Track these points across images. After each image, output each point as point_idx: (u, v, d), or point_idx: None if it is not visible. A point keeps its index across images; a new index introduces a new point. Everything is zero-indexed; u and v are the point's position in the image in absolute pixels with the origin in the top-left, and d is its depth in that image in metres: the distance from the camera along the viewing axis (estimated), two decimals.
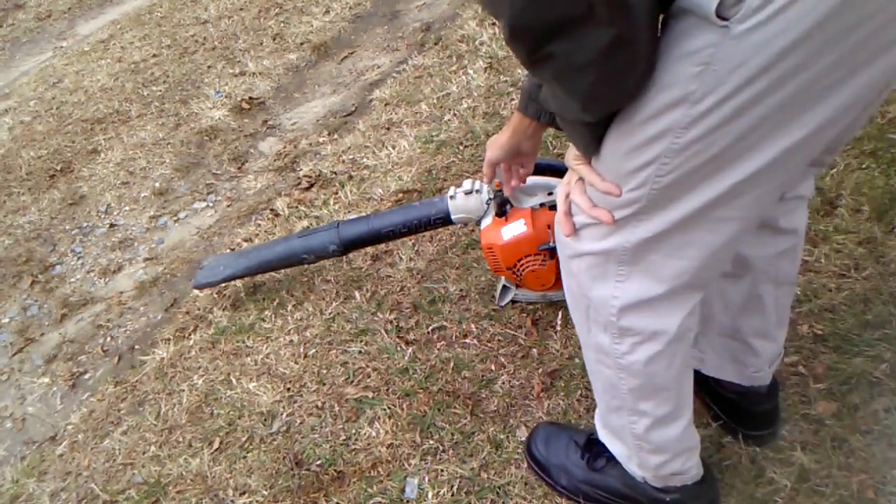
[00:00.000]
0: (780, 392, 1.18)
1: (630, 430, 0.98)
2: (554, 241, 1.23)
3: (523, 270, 1.34)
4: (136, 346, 1.76)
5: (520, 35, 0.62)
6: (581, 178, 0.82)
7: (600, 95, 0.68)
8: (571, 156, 0.83)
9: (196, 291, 1.79)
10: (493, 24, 2.49)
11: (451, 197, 1.41)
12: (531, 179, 1.35)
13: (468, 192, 1.39)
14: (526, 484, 1.20)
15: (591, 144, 0.77)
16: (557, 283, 1.36)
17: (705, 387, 1.20)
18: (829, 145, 0.85)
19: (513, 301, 1.51)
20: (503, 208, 1.32)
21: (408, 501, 1.23)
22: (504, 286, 1.49)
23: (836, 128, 0.68)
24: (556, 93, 0.72)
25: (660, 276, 0.80)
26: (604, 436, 1.08)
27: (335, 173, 2.09)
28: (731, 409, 1.19)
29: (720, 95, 0.63)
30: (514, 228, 1.30)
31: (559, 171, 1.25)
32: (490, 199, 1.36)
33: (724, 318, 1.07)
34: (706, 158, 0.68)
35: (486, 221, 1.37)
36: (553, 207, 1.30)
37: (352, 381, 1.46)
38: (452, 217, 1.42)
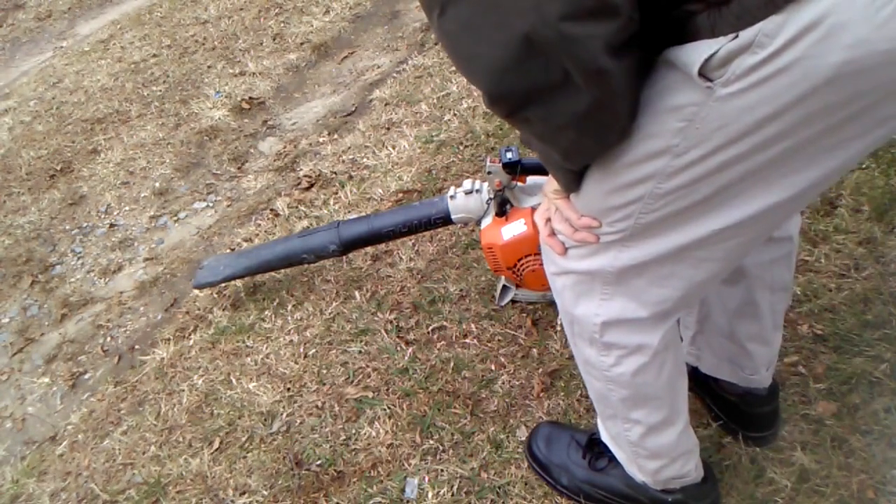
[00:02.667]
0: (780, 392, 1.18)
1: (625, 437, 0.98)
2: None
3: (523, 270, 1.34)
4: (136, 346, 1.76)
5: (497, 101, 0.63)
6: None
7: (582, 149, 0.70)
8: (550, 189, 0.84)
9: (196, 291, 1.79)
10: None
11: (452, 197, 1.41)
12: (531, 179, 1.35)
13: (468, 192, 1.39)
14: (526, 484, 1.20)
15: (573, 184, 0.78)
16: None
17: (705, 387, 1.20)
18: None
19: (513, 301, 1.51)
20: (503, 208, 1.32)
21: (408, 501, 1.23)
22: (504, 286, 1.49)
23: (825, 185, 0.69)
24: (537, 147, 0.74)
25: (643, 301, 0.81)
26: (605, 439, 1.09)
27: (335, 173, 2.09)
28: (730, 411, 1.19)
29: (702, 151, 0.64)
30: (515, 228, 1.30)
31: None
32: (490, 198, 1.36)
33: (720, 320, 1.07)
34: (688, 204, 0.70)
35: (486, 221, 1.37)
36: None
37: (352, 381, 1.46)
38: (452, 217, 1.42)
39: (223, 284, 1.74)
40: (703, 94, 0.59)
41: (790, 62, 0.55)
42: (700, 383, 1.21)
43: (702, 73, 0.58)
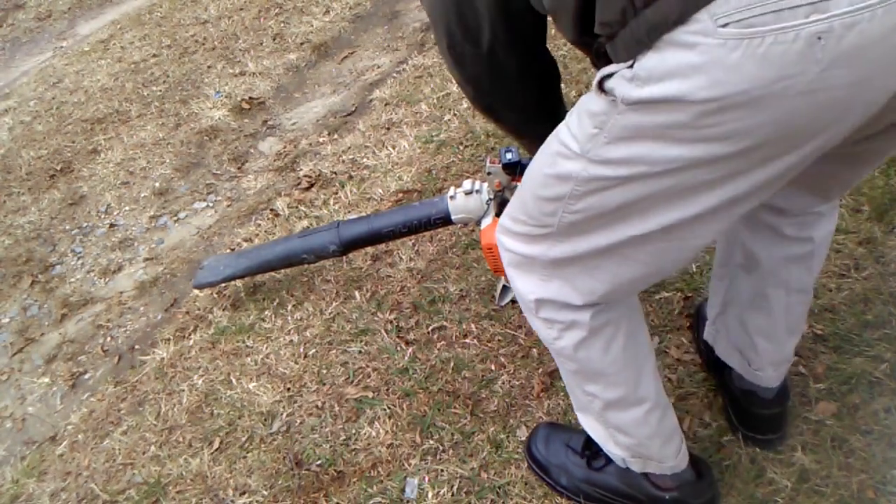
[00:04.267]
0: (789, 400, 1.17)
1: (591, 408, 0.99)
2: None
3: None
4: (136, 346, 1.76)
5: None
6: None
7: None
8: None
9: (196, 291, 1.79)
10: None
11: (452, 197, 1.41)
12: None
13: (468, 193, 1.39)
14: (526, 484, 1.20)
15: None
16: None
17: (718, 375, 1.21)
18: (822, 191, 0.91)
19: (513, 301, 1.51)
20: (503, 209, 1.32)
21: (408, 501, 1.23)
22: (504, 286, 1.49)
23: (745, 204, 0.71)
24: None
25: (575, 287, 0.84)
26: (582, 422, 1.08)
27: (335, 173, 2.09)
28: (735, 407, 1.19)
29: (611, 160, 0.68)
30: None
31: None
32: (490, 199, 1.36)
33: (738, 308, 1.08)
34: (602, 210, 0.73)
35: (487, 221, 1.37)
36: None
37: (352, 381, 1.46)
38: (452, 217, 1.42)
39: (223, 284, 1.74)
40: (609, 106, 0.65)
41: (661, 96, 0.59)
42: (714, 369, 1.22)
43: (602, 88, 0.64)
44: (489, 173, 1.28)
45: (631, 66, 0.61)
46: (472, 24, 0.81)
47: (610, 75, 0.63)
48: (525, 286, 0.89)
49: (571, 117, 0.72)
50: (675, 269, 0.83)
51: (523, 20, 0.82)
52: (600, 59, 0.67)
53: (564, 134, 0.73)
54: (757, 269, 1.01)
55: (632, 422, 0.97)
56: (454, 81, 0.97)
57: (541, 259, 0.84)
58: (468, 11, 0.80)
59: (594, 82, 0.65)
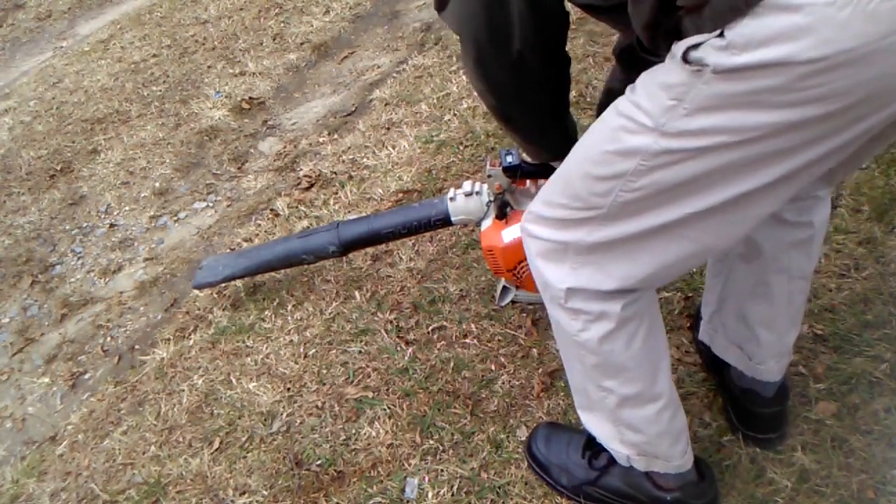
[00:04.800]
0: (789, 398, 1.17)
1: (604, 403, 0.99)
2: None
3: (524, 272, 1.34)
4: (136, 346, 1.76)
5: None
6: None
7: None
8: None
9: (196, 291, 1.79)
10: None
11: (451, 199, 1.41)
12: (531, 182, 1.35)
13: (468, 194, 1.39)
14: (526, 484, 1.20)
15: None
16: None
17: (717, 374, 1.21)
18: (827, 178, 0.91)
19: (512, 301, 1.51)
20: (504, 211, 1.32)
21: (408, 501, 1.23)
22: (504, 287, 1.49)
23: (815, 171, 0.71)
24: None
25: (610, 273, 0.84)
26: (586, 421, 1.08)
27: (335, 173, 2.09)
28: (735, 406, 1.18)
29: (688, 131, 0.67)
30: (515, 231, 1.29)
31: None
32: (490, 201, 1.36)
33: (736, 300, 1.08)
34: (666, 186, 0.72)
35: (487, 223, 1.36)
36: None
37: (352, 381, 1.46)
38: (452, 219, 1.42)
39: (223, 284, 1.74)
40: (691, 77, 0.65)
41: (762, 61, 0.59)
42: (713, 369, 1.22)
43: (687, 60, 0.64)
44: (489, 176, 1.28)
45: (720, 35, 0.61)
46: (502, 30, 0.81)
47: (695, 46, 0.63)
48: (555, 275, 0.88)
49: (635, 93, 0.72)
50: (724, 247, 0.83)
51: (554, 21, 0.82)
52: (667, 36, 0.67)
53: (629, 109, 0.72)
54: (759, 257, 1.00)
55: (645, 418, 0.97)
56: (475, 92, 0.97)
57: (577, 245, 0.84)
58: (498, 18, 0.80)
59: (677, 55, 0.65)
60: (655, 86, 0.69)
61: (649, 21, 0.70)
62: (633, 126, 0.72)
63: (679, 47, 0.65)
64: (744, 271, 1.04)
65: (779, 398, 1.14)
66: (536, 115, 0.98)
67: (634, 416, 0.97)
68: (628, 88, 0.75)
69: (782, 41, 0.58)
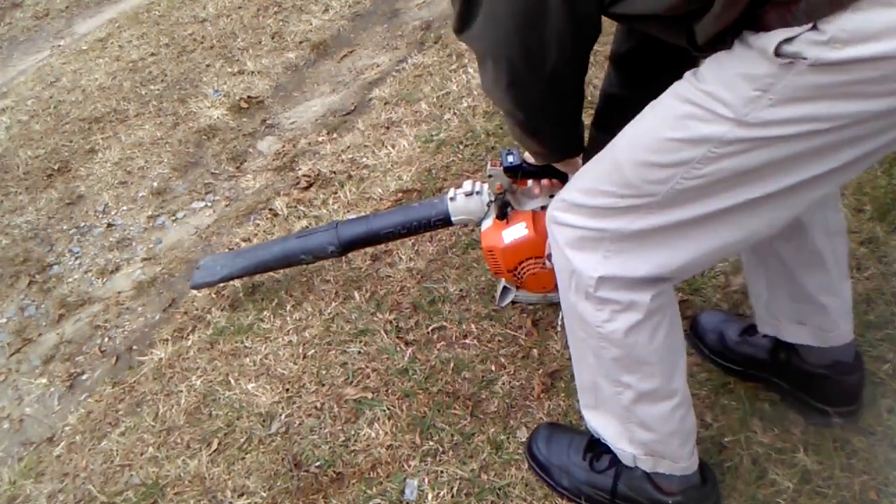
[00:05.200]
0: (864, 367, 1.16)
1: (617, 400, 0.98)
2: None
3: (524, 273, 1.33)
4: (134, 347, 1.75)
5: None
6: None
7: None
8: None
9: (194, 292, 1.78)
10: None
11: (452, 198, 1.40)
12: (532, 182, 1.34)
13: (468, 194, 1.39)
14: (526, 485, 1.20)
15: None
16: None
17: (788, 370, 1.18)
18: None
19: (513, 301, 1.50)
20: (504, 211, 1.31)
21: (407, 503, 1.23)
22: (504, 287, 1.48)
23: (881, 154, 0.73)
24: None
25: (646, 261, 0.84)
26: (592, 420, 1.07)
27: (334, 173, 2.08)
28: (818, 387, 1.15)
29: (771, 121, 0.68)
30: (516, 231, 1.29)
31: (561, 175, 1.24)
32: (490, 201, 1.35)
33: (788, 281, 1.07)
34: (733, 173, 0.73)
35: (487, 223, 1.36)
36: None
37: (351, 382, 1.45)
38: (452, 219, 1.41)
39: (221, 284, 1.73)
40: (781, 69, 0.66)
41: (869, 55, 0.61)
42: (781, 367, 1.18)
43: (778, 53, 0.65)
44: (490, 176, 1.27)
45: (814, 29, 0.62)
46: (536, 49, 0.79)
47: (788, 40, 0.64)
48: (586, 264, 0.88)
49: (706, 82, 0.72)
50: (770, 234, 0.84)
51: (592, 36, 0.82)
52: (734, 33, 0.69)
53: (699, 97, 0.72)
54: (801, 229, 1.01)
55: (659, 416, 0.96)
56: (501, 111, 0.95)
57: (616, 233, 0.84)
58: (532, 39, 0.78)
59: (767, 48, 0.65)
60: (735, 77, 0.69)
61: (734, 18, 0.70)
62: (705, 114, 0.72)
63: (768, 40, 0.65)
64: (789, 248, 1.04)
65: (859, 360, 1.14)
66: (562, 124, 0.97)
67: (649, 412, 0.96)
68: (691, 75, 0.75)
69: (888, 36, 0.60)
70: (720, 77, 0.71)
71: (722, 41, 0.71)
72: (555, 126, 0.97)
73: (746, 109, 0.69)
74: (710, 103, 0.72)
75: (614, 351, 0.92)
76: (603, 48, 2.20)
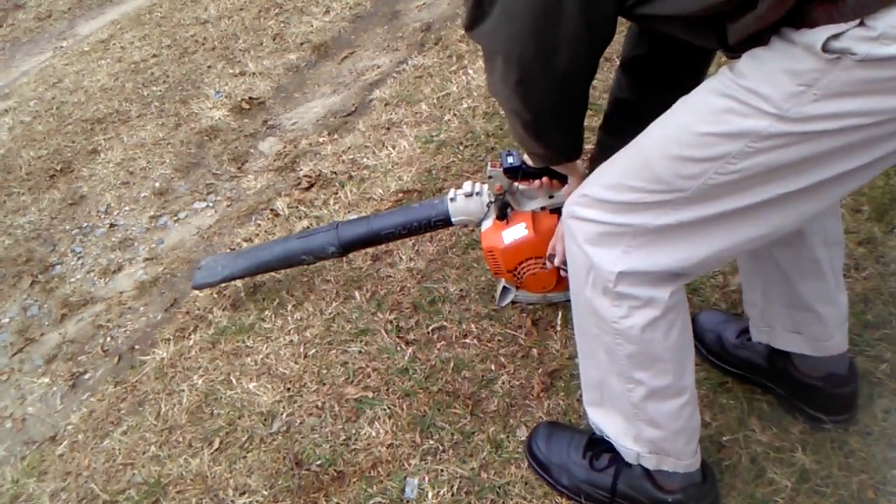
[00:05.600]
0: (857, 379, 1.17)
1: (627, 397, 0.98)
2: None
3: (524, 273, 1.34)
4: (136, 346, 1.76)
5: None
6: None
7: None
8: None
9: (195, 291, 1.79)
10: None
11: (452, 199, 1.41)
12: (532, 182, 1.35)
13: (468, 195, 1.39)
14: (526, 484, 1.20)
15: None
16: (558, 285, 1.36)
17: (782, 376, 1.18)
18: None
19: (512, 301, 1.51)
20: (504, 211, 1.32)
21: (408, 501, 1.23)
22: (504, 287, 1.49)
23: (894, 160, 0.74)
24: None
25: (667, 256, 0.84)
26: (596, 417, 1.07)
27: (335, 173, 2.09)
28: (811, 396, 1.16)
29: (813, 116, 0.69)
30: (516, 232, 1.30)
31: (561, 176, 1.25)
32: (490, 202, 1.36)
33: (785, 288, 1.07)
34: (768, 168, 0.74)
35: (487, 224, 1.36)
36: (554, 211, 1.30)
37: (352, 381, 1.46)
38: (452, 219, 1.42)
39: (223, 284, 1.73)
40: (826, 64, 0.66)
41: None
42: (777, 373, 1.19)
43: (825, 49, 0.65)
44: (490, 177, 1.28)
45: (862, 24, 0.63)
46: (550, 50, 0.79)
47: (835, 36, 0.64)
48: (606, 259, 0.88)
49: (745, 77, 0.73)
50: (791, 229, 0.84)
51: (606, 40, 0.82)
52: (770, 31, 0.69)
53: (739, 93, 0.73)
54: (799, 237, 1.01)
55: (668, 413, 0.97)
56: (505, 111, 0.94)
57: (640, 228, 0.84)
58: (547, 40, 0.78)
59: (817, 44, 0.66)
60: (778, 72, 0.70)
61: (779, 17, 0.70)
62: (744, 109, 0.72)
63: (814, 37, 0.66)
64: (787, 255, 1.04)
65: (853, 372, 1.14)
66: (567, 126, 0.97)
67: (658, 409, 0.97)
68: (728, 70, 0.75)
69: None
70: (761, 72, 0.72)
71: (757, 40, 0.72)
72: (560, 128, 0.96)
73: (789, 105, 0.69)
74: (751, 98, 0.72)
75: (629, 347, 0.92)
76: (606, 51, 2.22)
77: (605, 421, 1.06)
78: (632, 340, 0.91)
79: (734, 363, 1.26)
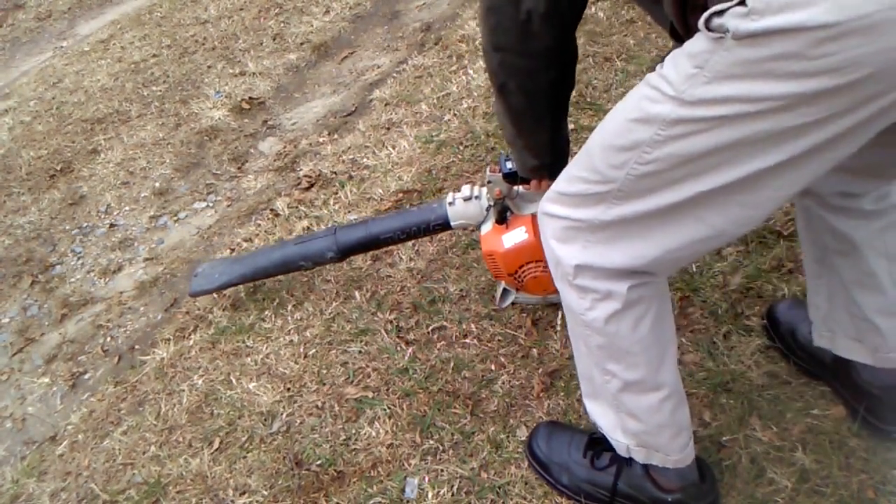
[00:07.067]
0: None
1: (606, 388, 0.99)
2: None
3: (525, 276, 1.33)
4: (136, 346, 1.76)
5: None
6: None
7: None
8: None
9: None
10: None
11: (450, 203, 1.40)
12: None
13: (467, 199, 1.39)
14: (526, 483, 1.20)
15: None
16: None
17: (846, 380, 1.17)
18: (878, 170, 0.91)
19: (513, 303, 1.51)
20: (504, 215, 1.32)
21: (408, 501, 1.23)
22: (504, 289, 1.48)
23: (828, 155, 0.71)
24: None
25: (622, 252, 0.85)
26: (591, 409, 1.07)
27: (335, 173, 2.09)
28: (874, 405, 1.14)
29: (707, 100, 0.68)
30: (516, 236, 1.29)
31: None
32: (490, 205, 1.36)
33: (846, 297, 1.06)
34: (681, 160, 0.73)
35: (486, 227, 1.36)
36: None
37: (352, 381, 1.46)
38: (451, 223, 1.42)
39: None
40: (713, 44, 0.66)
41: (778, 26, 0.60)
42: (840, 376, 1.17)
43: (710, 27, 0.65)
44: (489, 182, 1.28)
45: (743, 3, 0.62)
46: None
47: (719, 13, 0.64)
48: (566, 252, 0.90)
49: (664, 64, 0.73)
50: (737, 233, 0.82)
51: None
52: (693, 13, 0.69)
53: (655, 79, 0.73)
54: (854, 248, 1.00)
55: (646, 407, 0.97)
56: (483, 50, 0.96)
57: (591, 223, 0.85)
58: None
59: (700, 23, 0.66)
60: (681, 55, 0.70)
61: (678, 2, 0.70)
62: (654, 94, 0.72)
63: (703, 16, 0.66)
64: (845, 266, 1.03)
65: None
66: (531, 94, 0.98)
67: (635, 403, 0.97)
68: (660, 62, 0.76)
69: (799, 6, 0.59)
70: (672, 57, 0.72)
71: (689, 29, 0.71)
72: (523, 95, 0.97)
73: (685, 86, 0.69)
74: (660, 83, 0.72)
75: (598, 339, 0.94)
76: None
77: (598, 412, 1.06)
78: (599, 332, 0.93)
79: (802, 357, 1.24)
